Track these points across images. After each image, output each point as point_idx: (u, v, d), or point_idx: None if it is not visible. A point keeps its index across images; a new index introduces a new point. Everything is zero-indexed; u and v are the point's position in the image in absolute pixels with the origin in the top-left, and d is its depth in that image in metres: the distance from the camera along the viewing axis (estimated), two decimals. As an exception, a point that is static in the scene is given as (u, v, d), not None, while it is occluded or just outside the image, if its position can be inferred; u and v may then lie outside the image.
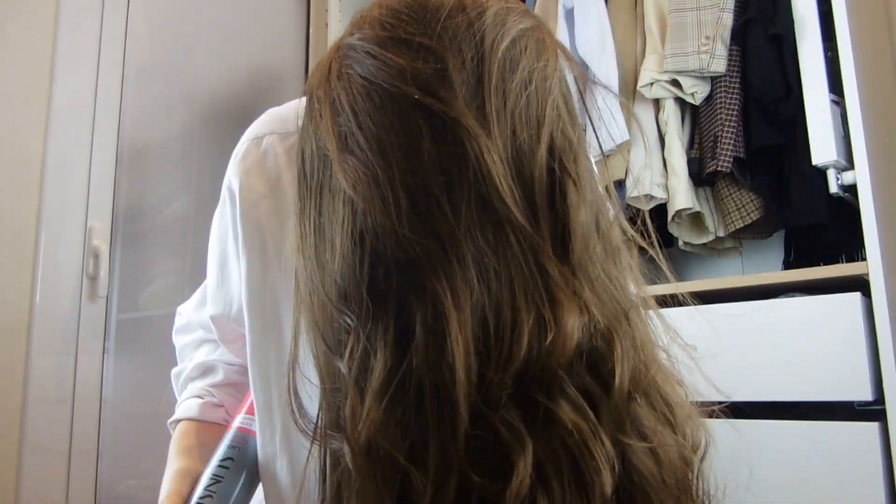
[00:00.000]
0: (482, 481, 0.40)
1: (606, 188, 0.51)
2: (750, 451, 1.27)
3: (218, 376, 0.76)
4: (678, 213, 1.52)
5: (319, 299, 0.45)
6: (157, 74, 1.79)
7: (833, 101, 1.32)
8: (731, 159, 1.44)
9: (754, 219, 1.49)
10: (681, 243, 1.62)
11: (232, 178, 0.61)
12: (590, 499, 0.41)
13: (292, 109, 0.61)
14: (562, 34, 1.64)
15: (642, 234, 0.51)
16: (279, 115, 0.63)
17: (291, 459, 0.57)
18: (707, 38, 1.48)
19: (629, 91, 1.63)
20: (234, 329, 0.69)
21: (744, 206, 1.50)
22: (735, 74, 1.48)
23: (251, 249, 0.58)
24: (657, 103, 1.59)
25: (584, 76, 0.53)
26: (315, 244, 0.46)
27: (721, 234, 1.57)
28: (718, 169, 1.45)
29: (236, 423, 0.67)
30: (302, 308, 0.47)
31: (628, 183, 1.57)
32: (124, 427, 1.54)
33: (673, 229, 1.59)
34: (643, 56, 1.59)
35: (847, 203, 1.34)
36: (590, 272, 0.45)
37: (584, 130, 0.51)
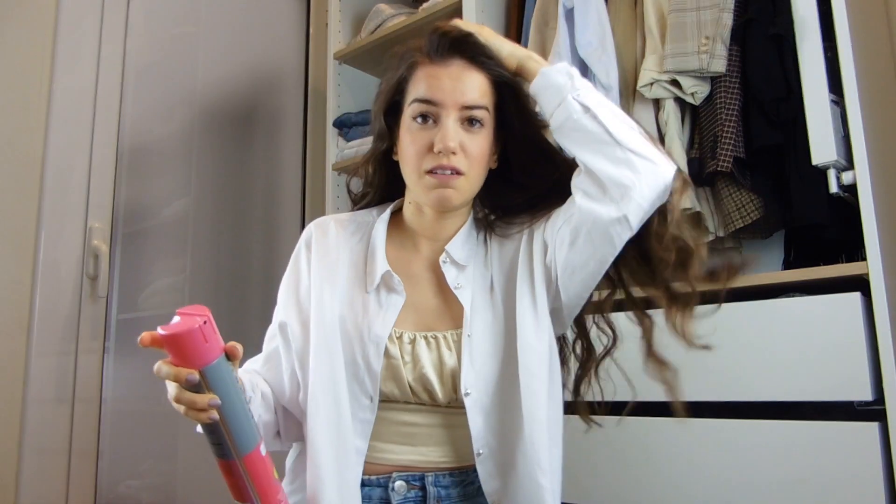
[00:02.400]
0: None
1: None
2: (750, 451, 1.27)
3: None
4: (678, 213, 1.52)
5: None
6: (157, 74, 1.79)
7: (833, 101, 1.32)
8: (731, 159, 1.44)
9: (754, 219, 1.49)
10: (681, 243, 1.62)
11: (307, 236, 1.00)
12: None
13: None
14: (562, 34, 1.64)
15: None
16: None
17: None
18: (707, 38, 1.47)
19: (629, 91, 1.63)
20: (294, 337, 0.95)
21: (744, 206, 1.49)
22: (735, 74, 1.48)
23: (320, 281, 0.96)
24: (657, 103, 1.58)
25: None
26: None
27: (721, 234, 1.57)
28: (718, 169, 1.45)
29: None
30: None
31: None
32: (124, 427, 1.54)
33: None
34: (643, 56, 1.59)
35: (847, 203, 1.34)
36: None
37: None
